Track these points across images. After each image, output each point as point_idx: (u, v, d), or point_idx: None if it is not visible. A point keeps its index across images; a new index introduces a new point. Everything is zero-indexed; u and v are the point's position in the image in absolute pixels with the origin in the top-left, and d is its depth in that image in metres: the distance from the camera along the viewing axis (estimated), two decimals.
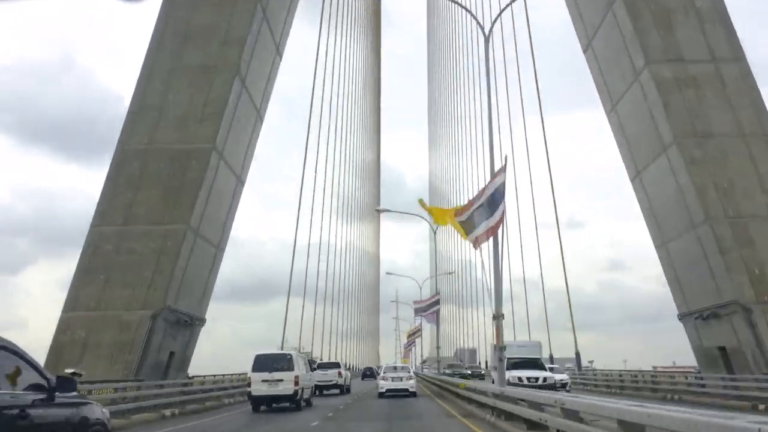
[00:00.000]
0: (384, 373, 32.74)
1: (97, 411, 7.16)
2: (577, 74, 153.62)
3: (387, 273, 78.94)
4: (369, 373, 53.87)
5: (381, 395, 30.51)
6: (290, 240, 44.69)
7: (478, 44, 62.16)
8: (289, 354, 23.17)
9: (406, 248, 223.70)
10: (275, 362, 22.10)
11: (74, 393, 6.67)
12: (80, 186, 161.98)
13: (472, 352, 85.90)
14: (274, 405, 22.67)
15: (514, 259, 54.96)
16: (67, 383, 6.43)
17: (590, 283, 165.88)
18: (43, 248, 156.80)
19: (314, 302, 52.37)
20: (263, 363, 22.00)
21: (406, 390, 30.34)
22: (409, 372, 32.91)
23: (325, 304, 57.09)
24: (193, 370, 31.25)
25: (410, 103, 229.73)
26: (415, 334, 65.56)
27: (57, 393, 6.17)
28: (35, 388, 5.96)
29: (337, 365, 37.94)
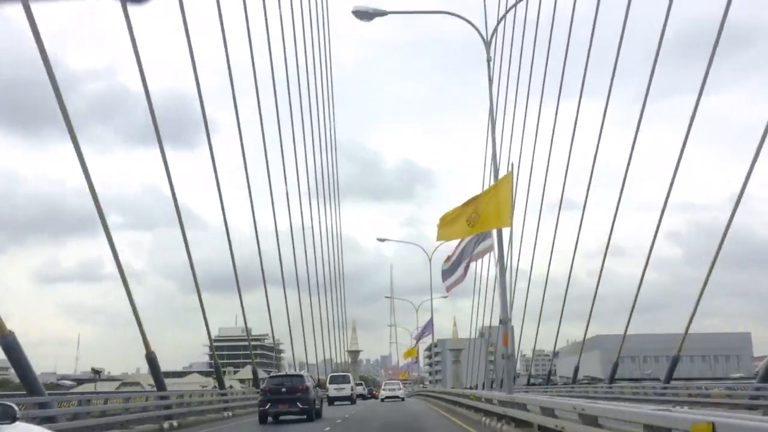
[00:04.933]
0: (384, 386, 54.83)
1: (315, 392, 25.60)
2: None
3: (378, 239, 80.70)
4: (370, 395, 67.57)
5: (382, 400, 48.88)
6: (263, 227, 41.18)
7: None
8: (348, 374, 47.06)
9: (393, 233, 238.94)
10: (340, 378, 44.57)
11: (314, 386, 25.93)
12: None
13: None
14: (336, 403, 42.76)
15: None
16: (317, 383, 26.85)
17: (583, 271, 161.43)
18: (7, 235, 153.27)
19: (283, 289, 45.76)
20: (334, 378, 43.97)
21: (398, 396, 49.49)
22: (400, 386, 54.31)
23: (302, 292, 51.02)
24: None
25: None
26: (408, 367, 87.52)
27: (315, 387, 25.10)
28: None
29: (371, 389, 67.32)
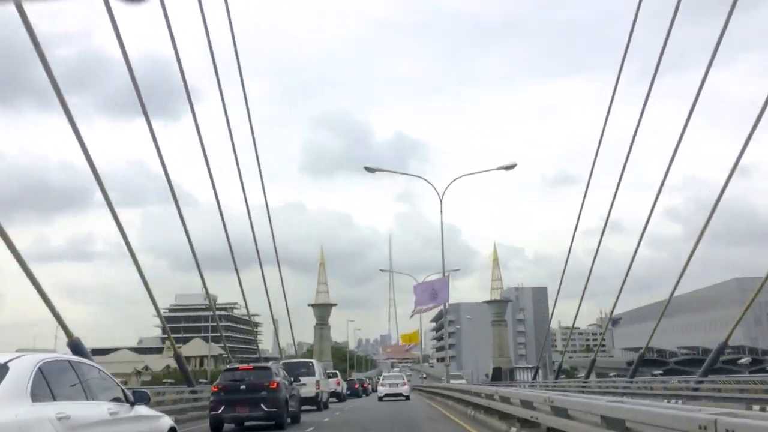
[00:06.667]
0: (383, 380, 38.25)
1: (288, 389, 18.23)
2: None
3: (380, 270, 64.11)
4: (350, 392, 49.33)
5: (380, 399, 34.54)
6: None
7: None
8: (311, 361, 29.91)
9: (385, 207, 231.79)
10: (302, 367, 27.22)
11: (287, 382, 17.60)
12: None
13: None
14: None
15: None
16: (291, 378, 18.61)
17: (580, 247, 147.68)
18: None
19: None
20: (291, 367, 25.04)
21: (401, 394, 34.67)
22: (403, 379, 37.90)
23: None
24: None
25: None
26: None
27: (289, 382, 17.95)
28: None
29: (354, 380, 53.68)
